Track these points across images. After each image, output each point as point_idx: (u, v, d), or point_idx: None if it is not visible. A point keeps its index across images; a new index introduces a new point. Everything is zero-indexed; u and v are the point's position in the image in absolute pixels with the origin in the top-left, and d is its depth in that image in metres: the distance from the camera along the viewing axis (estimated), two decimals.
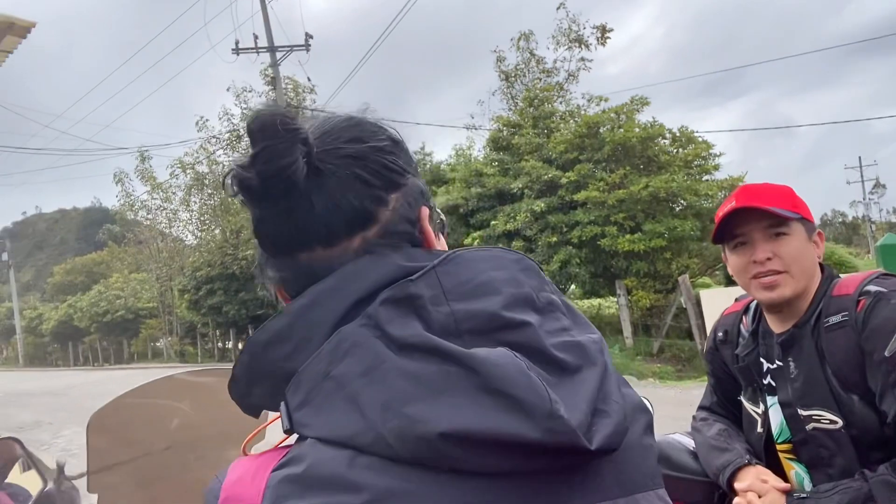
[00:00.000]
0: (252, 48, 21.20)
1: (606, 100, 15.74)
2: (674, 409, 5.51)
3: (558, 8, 18.73)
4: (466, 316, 0.57)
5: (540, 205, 13.25)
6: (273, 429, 0.69)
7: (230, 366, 0.65)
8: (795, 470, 1.47)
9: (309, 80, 28.03)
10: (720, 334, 1.65)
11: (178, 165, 26.56)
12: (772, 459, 1.51)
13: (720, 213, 1.47)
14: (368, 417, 0.52)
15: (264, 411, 0.64)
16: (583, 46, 18.81)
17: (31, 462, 1.85)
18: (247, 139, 0.59)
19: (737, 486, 1.46)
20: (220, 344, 26.36)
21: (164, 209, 29.22)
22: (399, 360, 0.53)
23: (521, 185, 13.91)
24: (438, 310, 0.57)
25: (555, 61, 19.26)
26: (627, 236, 12.20)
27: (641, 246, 11.99)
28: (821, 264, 1.47)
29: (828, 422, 1.36)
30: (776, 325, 1.48)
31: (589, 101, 16.69)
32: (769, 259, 1.41)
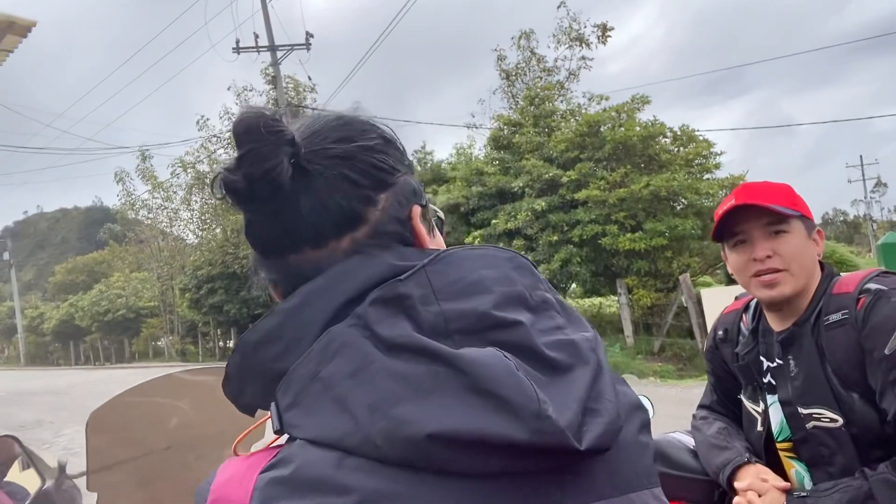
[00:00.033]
0: (253, 47, 21.17)
1: (607, 98, 15.72)
2: (675, 407, 5.50)
3: (559, 6, 18.72)
4: (456, 315, 0.56)
5: (541, 204, 13.24)
6: (270, 427, 0.69)
7: None
8: (795, 468, 1.47)
9: (310, 79, 28.15)
10: (720, 333, 1.65)
11: (179, 164, 26.60)
12: (772, 458, 1.51)
13: (720, 210, 1.47)
14: (356, 419, 0.51)
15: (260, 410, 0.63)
16: (583, 45, 18.80)
17: (30, 460, 1.85)
18: None
19: (737, 485, 1.45)
20: (221, 343, 26.37)
21: (165, 208, 29.28)
22: (387, 360, 0.53)
23: (521, 184, 13.89)
24: (428, 309, 0.56)
25: (555, 60, 19.27)
26: (628, 235, 12.19)
27: (642, 245, 11.98)
28: (820, 262, 1.47)
29: (828, 420, 1.36)
30: (776, 324, 1.48)
31: (590, 99, 16.68)
32: (769, 257, 1.41)
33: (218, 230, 25.81)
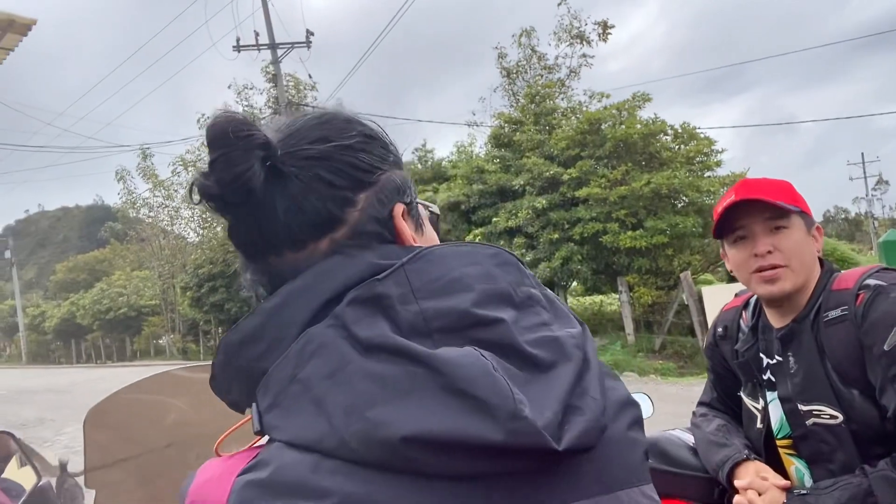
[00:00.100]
0: (253, 45, 21.16)
1: (608, 96, 15.71)
2: (675, 405, 5.50)
3: (560, 4, 18.72)
4: (436, 314, 0.56)
5: (541, 201, 13.24)
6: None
7: None
8: (795, 465, 1.47)
9: (310, 77, 28.04)
10: (720, 330, 1.65)
11: (180, 163, 26.59)
12: (772, 455, 1.50)
13: (720, 207, 1.46)
14: (333, 421, 0.51)
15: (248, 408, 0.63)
16: (584, 43, 18.82)
17: (27, 457, 1.85)
18: None
19: (737, 483, 1.45)
20: None
21: (166, 207, 29.26)
22: (364, 361, 0.53)
23: (522, 182, 13.89)
24: (407, 308, 0.56)
25: (556, 58, 19.30)
26: (629, 233, 12.18)
27: (643, 242, 11.97)
28: (820, 259, 1.47)
29: (828, 417, 1.35)
30: (776, 320, 1.48)
31: (590, 97, 16.69)
32: (770, 252, 1.41)
33: (219, 228, 25.78)
